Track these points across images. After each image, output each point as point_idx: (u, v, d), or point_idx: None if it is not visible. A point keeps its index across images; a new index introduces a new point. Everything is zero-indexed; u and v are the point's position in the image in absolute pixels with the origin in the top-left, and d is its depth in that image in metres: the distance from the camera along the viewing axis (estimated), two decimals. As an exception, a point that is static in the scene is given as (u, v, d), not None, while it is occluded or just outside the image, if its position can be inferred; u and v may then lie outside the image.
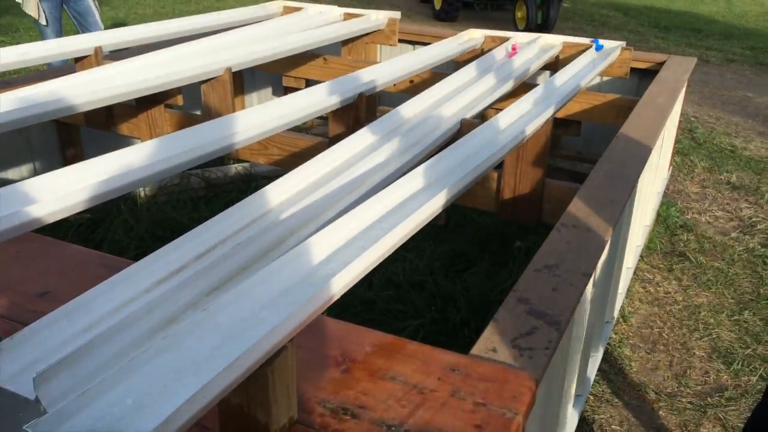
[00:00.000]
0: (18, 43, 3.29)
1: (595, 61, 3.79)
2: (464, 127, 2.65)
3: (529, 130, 2.56)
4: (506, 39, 4.11)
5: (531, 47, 3.87)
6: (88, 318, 1.44)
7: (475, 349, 1.50)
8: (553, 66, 4.01)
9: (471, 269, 3.35)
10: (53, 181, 1.69)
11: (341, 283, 1.30)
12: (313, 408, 1.32)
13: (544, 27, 10.70)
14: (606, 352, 2.99)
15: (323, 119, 4.50)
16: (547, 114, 2.76)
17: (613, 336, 3.14)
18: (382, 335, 1.56)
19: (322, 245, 1.42)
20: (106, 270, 1.75)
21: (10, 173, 3.43)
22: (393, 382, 1.39)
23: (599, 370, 2.85)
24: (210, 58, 3.09)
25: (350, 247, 1.45)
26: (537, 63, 3.63)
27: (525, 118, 2.74)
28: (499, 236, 3.60)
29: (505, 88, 3.17)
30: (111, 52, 3.67)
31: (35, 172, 3.53)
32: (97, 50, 3.34)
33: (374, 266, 1.47)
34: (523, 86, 3.51)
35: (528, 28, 10.45)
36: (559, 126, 3.77)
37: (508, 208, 2.85)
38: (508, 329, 1.55)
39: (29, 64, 3.12)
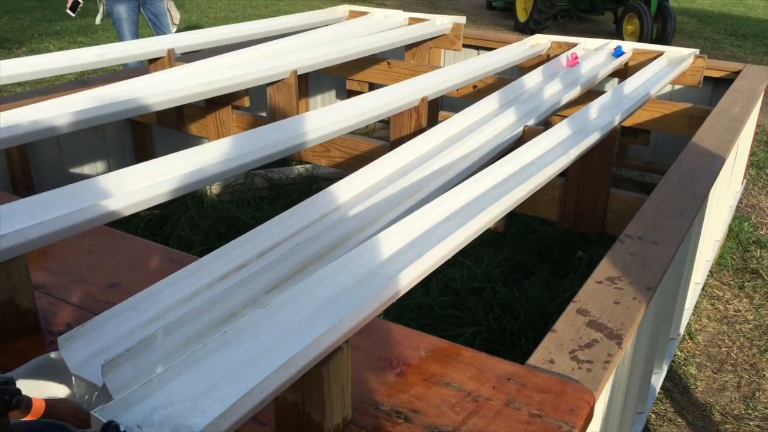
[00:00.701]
0: (97, 44, 3.44)
1: (666, 69, 3.67)
2: (527, 134, 2.61)
3: (595, 138, 2.51)
4: (573, 45, 4.04)
5: (599, 53, 3.79)
6: (154, 310, 1.49)
7: (532, 360, 1.47)
8: (622, 73, 3.91)
9: (530, 278, 3.30)
10: (126, 177, 1.76)
11: (397, 286, 1.30)
12: (366, 410, 1.32)
13: (660, 41, 8.90)
14: (670, 370, 2.89)
15: (385, 123, 4.53)
16: (614, 122, 2.70)
17: (678, 353, 3.03)
18: (438, 340, 1.55)
19: (381, 248, 1.43)
20: (171, 264, 1.81)
21: (86, 169, 3.57)
22: (447, 388, 1.38)
23: (662, 387, 2.76)
24: (276, 61, 3.15)
25: (409, 251, 1.45)
26: (605, 70, 3.55)
27: (590, 125, 2.68)
28: (561, 246, 3.54)
29: (570, 95, 3.11)
30: (183, 54, 3.79)
31: (109, 169, 3.67)
32: (170, 52, 3.45)
33: (432, 270, 1.46)
34: (590, 93, 3.44)
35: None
36: (627, 134, 3.68)
37: (571, 217, 2.79)
38: (566, 341, 1.52)
39: (106, 64, 3.25)
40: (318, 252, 1.65)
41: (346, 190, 2.04)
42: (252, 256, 1.74)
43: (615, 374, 1.70)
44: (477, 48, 4.82)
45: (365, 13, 4.75)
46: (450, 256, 1.58)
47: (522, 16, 10.45)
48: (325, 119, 2.57)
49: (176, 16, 5.29)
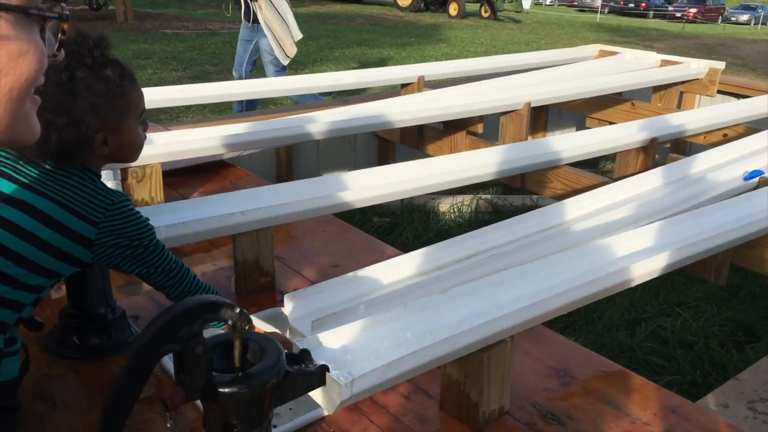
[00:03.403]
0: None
1: None
2: (762, 184, 2.47)
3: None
4: None
5: None
6: (361, 289, 1.76)
7: (704, 400, 1.46)
8: None
9: (756, 344, 3.05)
10: (358, 178, 2.07)
11: (557, 301, 1.39)
12: (524, 406, 1.44)
13: None
14: None
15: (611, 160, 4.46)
16: None
17: None
18: (610, 364, 1.61)
19: (555, 264, 1.53)
20: (383, 256, 2.08)
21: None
22: (607, 405, 1.44)
23: None
24: (512, 93, 3.34)
25: (590, 267, 1.53)
26: None
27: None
28: (799, 314, 3.20)
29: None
30: (432, 80, 4.15)
31: (354, 177, 4.15)
32: (420, 79, 3.82)
33: (609, 294, 1.52)
34: None
35: None
36: None
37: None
38: (748, 390, 1.48)
39: (364, 86, 3.71)
40: (508, 265, 1.79)
41: (564, 211, 2.14)
42: (451, 260, 1.94)
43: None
44: (735, 95, 4.53)
45: (615, 53, 4.74)
46: (635, 283, 1.61)
47: None
48: (550, 148, 2.70)
49: (291, 50, 4.85)
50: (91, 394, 1.44)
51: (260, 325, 1.52)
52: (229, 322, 0.87)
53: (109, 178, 2.45)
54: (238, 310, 0.87)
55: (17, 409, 1.26)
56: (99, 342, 1.58)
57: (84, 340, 1.57)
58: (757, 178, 2.52)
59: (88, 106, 1.21)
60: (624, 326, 3.11)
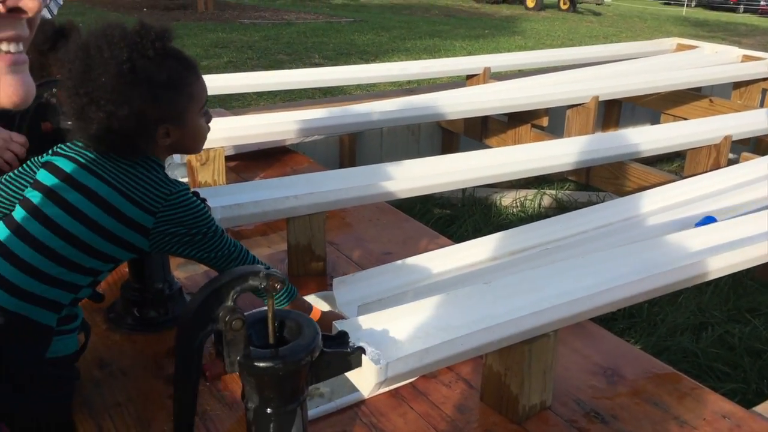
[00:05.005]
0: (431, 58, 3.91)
1: None
2: (843, 188, 2.33)
3: None
4: None
5: None
6: (409, 277, 1.77)
7: (760, 408, 1.40)
8: None
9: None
10: (411, 167, 2.08)
11: (609, 297, 1.36)
12: (567, 402, 1.41)
13: None
14: None
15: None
16: None
17: None
18: (661, 365, 1.56)
19: (607, 260, 1.49)
20: (436, 247, 2.08)
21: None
22: (654, 407, 1.40)
23: None
24: (580, 86, 3.26)
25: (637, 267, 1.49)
26: None
27: None
28: None
29: None
30: (497, 72, 4.09)
31: (417, 168, 4.15)
32: (486, 70, 3.78)
33: (659, 294, 1.47)
34: None
35: None
36: None
37: None
38: (809, 400, 1.41)
39: (428, 76, 3.70)
40: (560, 258, 1.76)
41: (627, 207, 2.09)
42: (503, 252, 1.92)
43: None
44: (826, 93, 4.27)
45: (694, 47, 4.55)
46: (706, 279, 1.54)
47: None
48: (616, 142, 2.63)
49: None
50: (146, 364, 1.51)
51: (317, 303, 1.57)
52: (261, 286, 0.89)
53: (176, 159, 2.55)
54: (263, 273, 0.88)
55: (74, 380, 1.33)
56: (156, 315, 1.65)
57: (143, 312, 1.65)
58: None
59: (150, 98, 1.23)
60: (689, 330, 3.00)
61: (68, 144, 1.31)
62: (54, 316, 1.22)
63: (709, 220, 1.95)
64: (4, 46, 0.53)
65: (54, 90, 1.71)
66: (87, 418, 1.33)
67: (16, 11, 0.53)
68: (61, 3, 2.59)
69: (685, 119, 4.27)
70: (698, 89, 4.04)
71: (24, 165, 1.34)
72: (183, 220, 1.27)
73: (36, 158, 1.33)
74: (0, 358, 1.15)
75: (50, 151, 1.32)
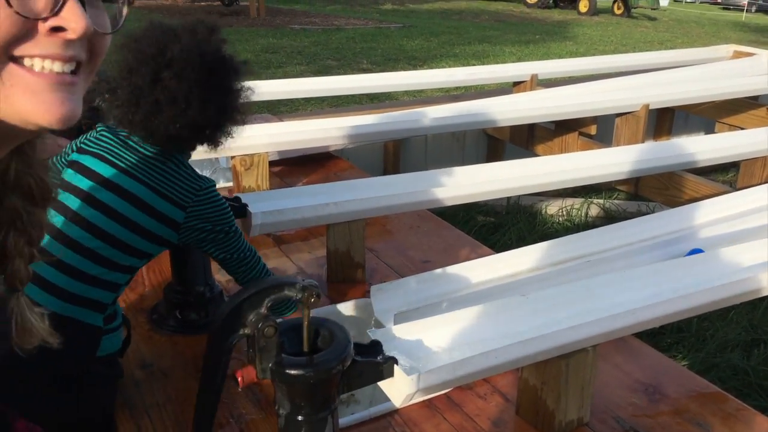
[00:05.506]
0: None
1: None
2: None
3: None
4: None
5: None
6: (447, 286, 1.75)
7: (811, 433, 1.34)
8: None
9: None
10: (455, 175, 2.07)
11: (651, 314, 1.33)
12: (606, 420, 1.38)
13: None
14: None
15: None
16: None
17: None
18: (705, 384, 1.51)
19: (650, 275, 1.46)
20: (476, 256, 2.06)
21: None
22: (696, 427, 1.36)
23: None
24: (630, 93, 3.19)
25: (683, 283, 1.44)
26: None
27: None
28: None
29: None
30: (545, 79, 4.04)
31: (462, 175, 4.12)
32: (533, 77, 3.74)
33: (704, 311, 1.43)
34: None
35: None
36: None
37: None
38: None
39: (474, 82, 3.68)
40: (599, 272, 1.72)
41: (675, 219, 2.04)
42: (546, 263, 1.89)
43: None
44: None
45: (751, 54, 4.40)
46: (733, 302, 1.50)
47: None
48: (666, 152, 2.56)
49: None
50: (186, 365, 1.53)
51: (354, 312, 1.58)
52: (296, 297, 0.90)
53: (222, 163, 2.60)
54: (300, 285, 0.89)
55: (118, 378, 1.37)
56: (197, 317, 1.68)
57: (185, 315, 1.68)
58: None
59: (202, 102, 1.25)
60: (740, 347, 2.90)
61: (92, 137, 1.34)
62: (99, 316, 1.26)
63: (697, 251, 1.85)
64: (47, 64, 0.51)
65: (106, 95, 1.75)
66: (127, 417, 1.36)
67: (58, 30, 0.50)
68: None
69: (741, 128, 4.14)
70: (755, 98, 3.90)
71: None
72: (210, 216, 1.30)
73: (67, 148, 1.36)
74: (54, 361, 1.19)
75: (74, 145, 1.35)
